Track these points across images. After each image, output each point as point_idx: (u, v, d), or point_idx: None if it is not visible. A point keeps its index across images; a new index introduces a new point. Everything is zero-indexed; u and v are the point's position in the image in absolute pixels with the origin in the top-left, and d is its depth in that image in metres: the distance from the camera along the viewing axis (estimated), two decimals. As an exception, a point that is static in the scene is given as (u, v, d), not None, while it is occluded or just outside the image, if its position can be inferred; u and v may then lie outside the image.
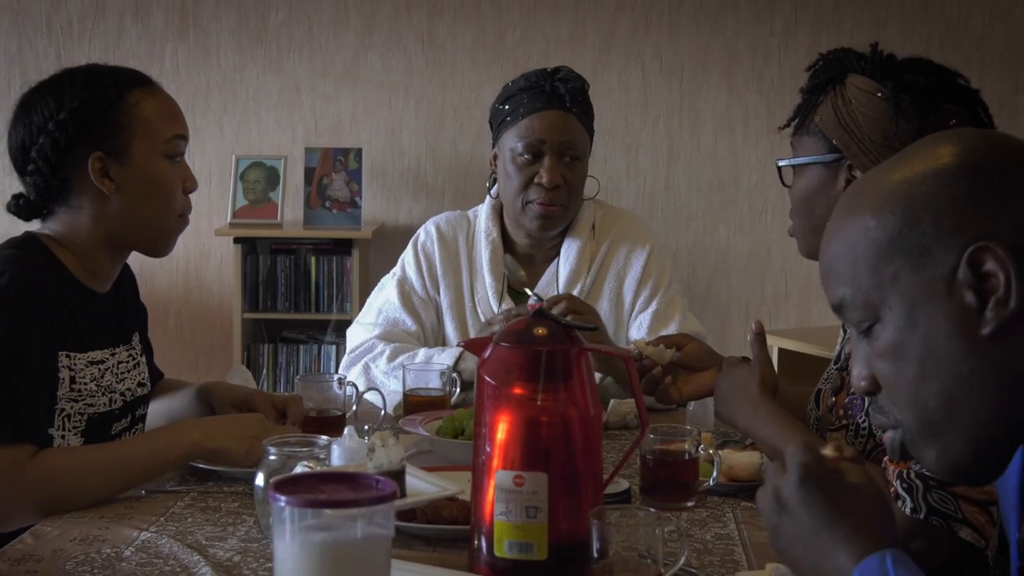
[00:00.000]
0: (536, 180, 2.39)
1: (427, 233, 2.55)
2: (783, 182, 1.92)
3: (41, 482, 1.65)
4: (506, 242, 2.52)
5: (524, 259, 2.52)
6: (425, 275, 2.52)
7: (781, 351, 4.18)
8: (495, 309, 2.45)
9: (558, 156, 2.39)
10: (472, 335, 2.43)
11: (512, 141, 2.41)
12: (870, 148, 1.77)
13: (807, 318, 4.77)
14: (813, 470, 1.09)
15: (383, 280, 2.58)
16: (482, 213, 2.54)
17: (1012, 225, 1.03)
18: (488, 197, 2.54)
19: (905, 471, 1.53)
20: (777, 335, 4.21)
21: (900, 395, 1.08)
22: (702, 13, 4.67)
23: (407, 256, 2.55)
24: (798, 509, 1.09)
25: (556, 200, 2.40)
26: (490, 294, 2.47)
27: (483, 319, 2.47)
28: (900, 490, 1.53)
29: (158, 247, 1.95)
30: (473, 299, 2.50)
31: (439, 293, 2.51)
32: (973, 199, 1.04)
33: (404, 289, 2.51)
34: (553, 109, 2.39)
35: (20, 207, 1.90)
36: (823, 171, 1.83)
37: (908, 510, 1.51)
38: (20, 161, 1.88)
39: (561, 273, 2.48)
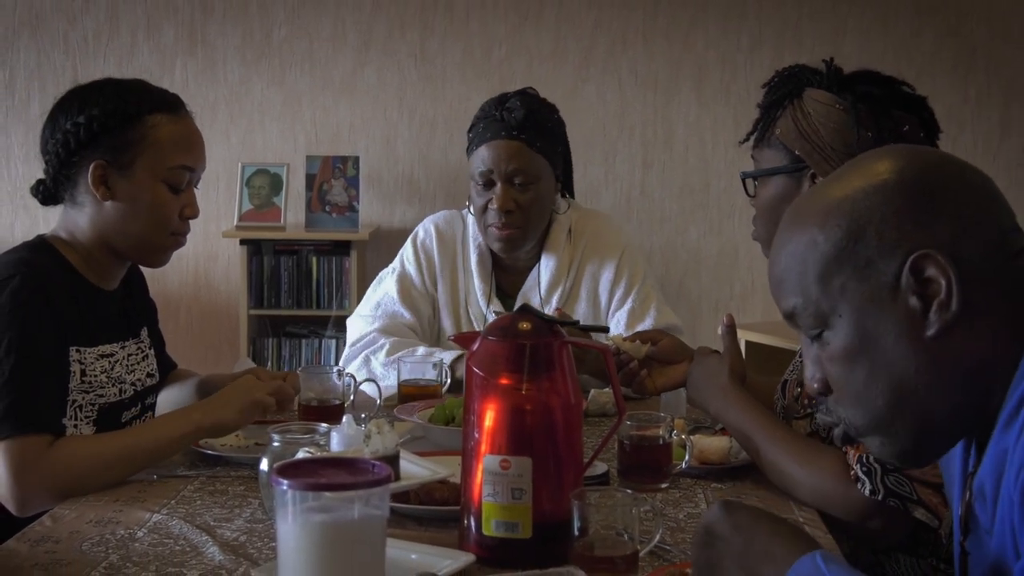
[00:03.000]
0: (490, 206, 2.36)
1: (426, 231, 2.52)
2: (747, 192, 1.91)
3: (58, 469, 1.64)
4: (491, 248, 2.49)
5: (507, 265, 2.49)
6: (424, 271, 2.48)
7: (748, 343, 4.19)
8: (484, 310, 2.44)
9: (508, 182, 2.34)
10: (467, 329, 2.42)
11: (472, 168, 2.38)
12: (832, 156, 1.77)
13: (772, 313, 4.76)
14: (733, 502, 1.15)
15: (381, 274, 2.54)
16: (471, 217, 2.51)
17: (948, 235, 1.03)
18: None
19: (864, 455, 1.53)
20: (744, 328, 4.22)
21: (849, 395, 1.09)
22: (674, 31, 4.67)
23: (406, 252, 2.51)
24: (727, 530, 1.12)
25: (510, 223, 2.36)
26: (479, 296, 2.46)
27: (474, 318, 2.46)
28: (860, 473, 1.52)
29: (147, 260, 1.92)
30: (467, 298, 2.48)
31: (436, 289, 2.49)
32: (912, 212, 1.04)
33: (403, 284, 2.48)
34: (500, 138, 2.33)
35: (40, 192, 1.88)
36: (787, 180, 1.82)
37: (867, 492, 1.51)
38: (42, 150, 1.87)
39: (543, 278, 2.45)
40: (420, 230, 2.54)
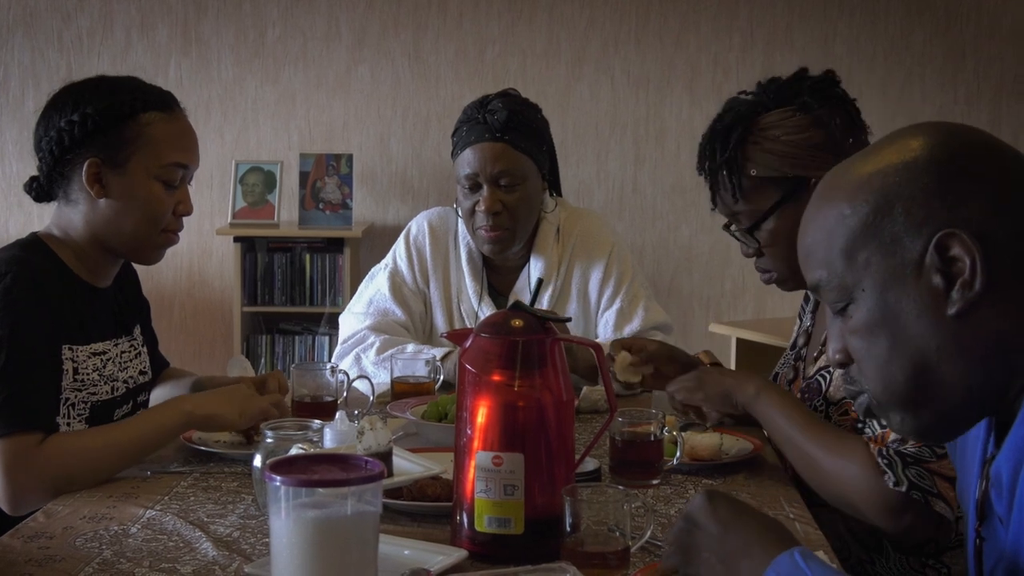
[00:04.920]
0: (477, 209, 2.35)
1: (419, 227, 2.50)
2: (747, 249, 1.83)
3: (51, 465, 1.63)
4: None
5: (496, 265, 2.47)
6: (416, 268, 2.47)
7: (739, 341, 4.19)
8: (475, 308, 2.43)
9: (494, 184, 2.32)
10: (459, 327, 2.41)
11: (457, 172, 2.37)
12: (823, 157, 1.76)
13: (762, 311, 4.78)
14: (717, 493, 1.16)
15: (373, 269, 2.52)
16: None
17: (976, 214, 1.02)
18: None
19: (883, 448, 1.52)
20: (735, 326, 4.22)
21: (870, 369, 1.08)
22: (666, 31, 4.67)
23: (399, 248, 2.50)
24: (709, 520, 1.13)
25: (499, 225, 2.34)
26: (471, 295, 2.45)
27: (466, 316, 2.45)
28: (882, 465, 1.51)
29: (139, 257, 1.91)
30: (459, 295, 2.47)
31: (428, 286, 2.48)
32: (940, 190, 1.03)
33: (395, 281, 2.46)
34: (484, 141, 2.31)
35: (33, 189, 1.88)
36: (793, 206, 1.76)
37: (891, 483, 1.50)
38: (36, 147, 1.86)
39: (532, 278, 2.44)
40: (413, 226, 2.52)
